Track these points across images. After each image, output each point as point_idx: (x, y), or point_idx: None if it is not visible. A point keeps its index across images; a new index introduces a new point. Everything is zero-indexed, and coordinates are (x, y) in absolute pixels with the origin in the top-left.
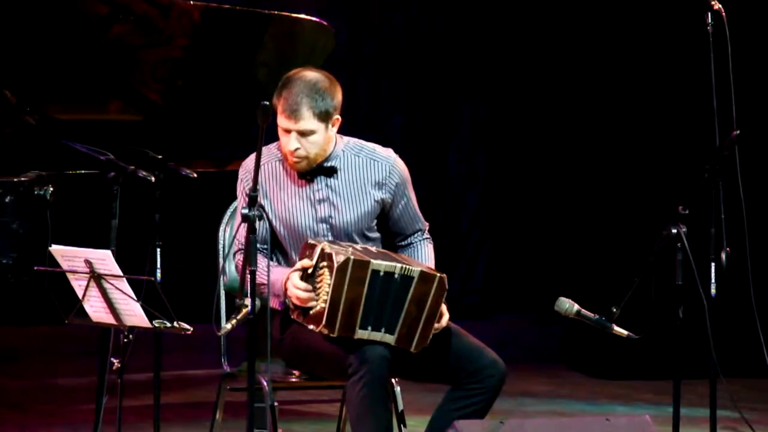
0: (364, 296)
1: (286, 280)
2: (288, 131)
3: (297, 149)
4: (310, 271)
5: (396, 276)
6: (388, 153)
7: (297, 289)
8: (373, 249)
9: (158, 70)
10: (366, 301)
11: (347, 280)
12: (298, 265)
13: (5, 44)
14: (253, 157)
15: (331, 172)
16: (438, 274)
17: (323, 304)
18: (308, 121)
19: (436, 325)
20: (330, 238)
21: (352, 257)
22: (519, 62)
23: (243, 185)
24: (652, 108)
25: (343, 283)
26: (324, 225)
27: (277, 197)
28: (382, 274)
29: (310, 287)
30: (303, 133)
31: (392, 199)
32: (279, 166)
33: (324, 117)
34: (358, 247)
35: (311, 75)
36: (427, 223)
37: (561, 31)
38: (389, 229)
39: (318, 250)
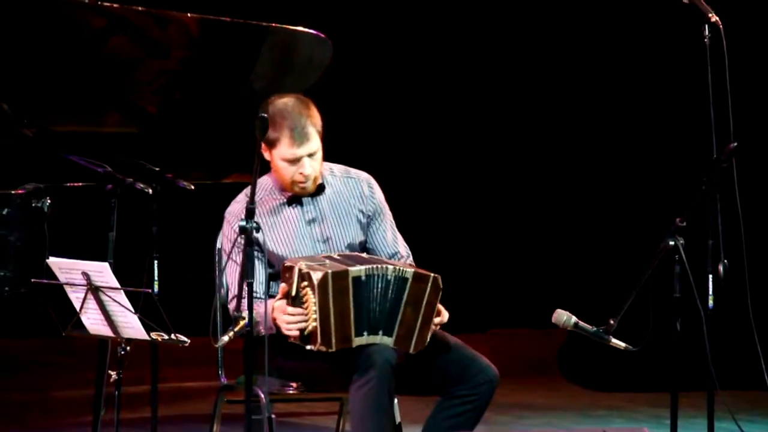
0: (351, 305)
1: (272, 312)
2: (297, 159)
3: (311, 172)
4: (293, 293)
5: (384, 276)
6: (360, 172)
7: (288, 316)
8: (363, 255)
9: (156, 82)
10: (355, 309)
11: (331, 294)
12: (279, 294)
13: (2, 56)
14: (238, 199)
15: (319, 190)
16: (432, 275)
17: (314, 323)
18: (315, 141)
19: (436, 320)
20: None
21: (330, 271)
22: (519, 73)
23: (231, 228)
24: (649, 120)
25: (327, 299)
26: (320, 245)
27: (273, 230)
28: (363, 278)
29: (299, 310)
30: (312, 155)
31: (372, 213)
32: (268, 201)
33: (321, 133)
34: (336, 256)
35: (291, 98)
36: (408, 251)
37: (559, 43)
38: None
39: (296, 272)
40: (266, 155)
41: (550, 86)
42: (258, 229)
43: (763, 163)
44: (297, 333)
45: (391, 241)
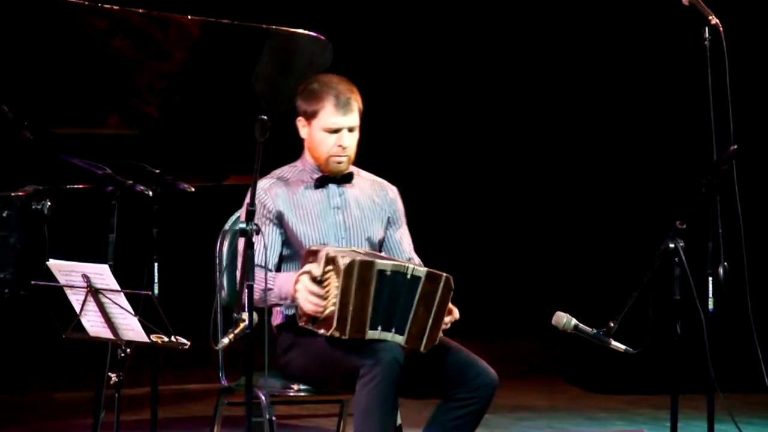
0: (372, 297)
1: (295, 283)
2: (338, 130)
3: (349, 145)
4: (317, 276)
5: (405, 275)
6: (386, 181)
7: (310, 294)
8: (382, 254)
9: (156, 84)
10: (374, 302)
11: (354, 282)
12: (305, 268)
13: (2, 59)
14: (266, 179)
15: (347, 178)
16: (444, 274)
17: (332, 308)
18: (356, 117)
19: (447, 318)
20: (344, 246)
21: (358, 259)
22: (519, 77)
23: (259, 204)
24: (649, 123)
25: (350, 286)
26: (342, 231)
27: (299, 208)
28: (388, 273)
29: (322, 292)
30: (351, 129)
31: (392, 217)
32: (295, 182)
33: (361, 115)
34: (360, 250)
35: (336, 77)
36: (420, 262)
37: (560, 44)
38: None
39: (323, 255)
40: (303, 131)
41: (550, 89)
42: (258, 231)
43: (764, 165)
44: (314, 309)
45: (407, 248)
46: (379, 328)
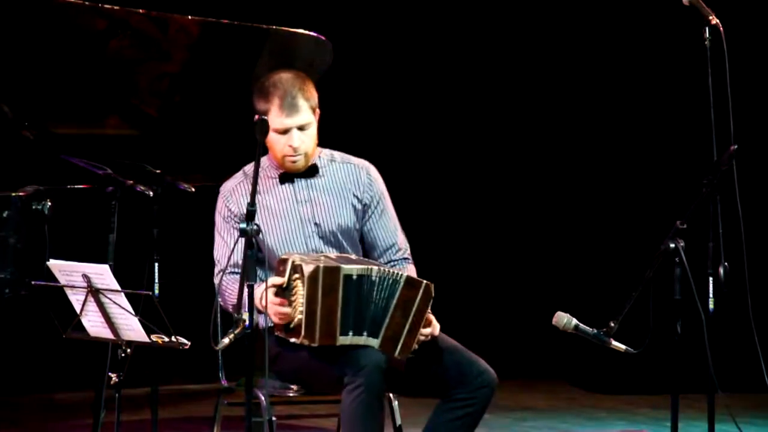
0: (340, 302)
1: (260, 299)
2: (287, 130)
3: (300, 145)
4: (284, 286)
5: (375, 279)
6: (362, 160)
7: (275, 305)
8: (353, 257)
9: (156, 84)
10: (343, 307)
11: (320, 289)
12: (269, 282)
13: (3, 59)
14: (236, 175)
15: (313, 172)
16: (424, 282)
17: (300, 316)
18: (305, 113)
19: (424, 331)
20: (316, 240)
21: (322, 265)
22: (519, 76)
23: (224, 207)
24: (650, 123)
25: (316, 292)
26: (311, 226)
27: (263, 209)
28: (355, 278)
29: (285, 301)
30: (302, 127)
31: (369, 201)
32: (260, 179)
33: (314, 109)
34: (332, 255)
35: (288, 73)
36: (407, 245)
37: (560, 44)
38: (366, 244)
39: (289, 264)
40: None
41: (549, 89)
42: (258, 231)
43: (764, 165)
44: (281, 318)
45: (391, 231)
46: (350, 333)
